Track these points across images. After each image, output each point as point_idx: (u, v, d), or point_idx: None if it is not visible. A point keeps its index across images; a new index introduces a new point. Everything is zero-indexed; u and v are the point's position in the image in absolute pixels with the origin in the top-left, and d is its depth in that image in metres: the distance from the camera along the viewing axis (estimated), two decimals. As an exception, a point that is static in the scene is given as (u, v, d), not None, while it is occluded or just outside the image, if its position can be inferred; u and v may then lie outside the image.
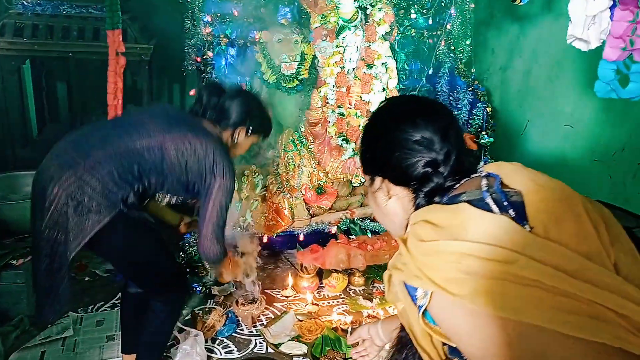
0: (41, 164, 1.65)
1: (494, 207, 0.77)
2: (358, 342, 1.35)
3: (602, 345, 0.64)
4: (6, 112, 3.13)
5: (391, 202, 0.98)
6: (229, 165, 1.75)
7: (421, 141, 0.92)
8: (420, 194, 0.92)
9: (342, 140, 3.00)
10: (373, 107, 3.01)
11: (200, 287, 2.54)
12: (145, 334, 1.84)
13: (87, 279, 2.60)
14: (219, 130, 1.85)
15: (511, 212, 0.76)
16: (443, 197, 0.90)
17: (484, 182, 0.85)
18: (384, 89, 3.03)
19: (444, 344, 0.82)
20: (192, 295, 2.51)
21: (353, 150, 3.02)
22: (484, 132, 3.03)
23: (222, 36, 3.08)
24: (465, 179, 0.91)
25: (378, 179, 0.99)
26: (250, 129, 1.90)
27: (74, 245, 1.59)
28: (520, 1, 2.66)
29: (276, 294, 2.58)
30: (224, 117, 1.85)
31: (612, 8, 1.45)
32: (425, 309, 0.80)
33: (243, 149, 1.99)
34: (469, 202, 0.80)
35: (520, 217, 0.75)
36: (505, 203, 0.78)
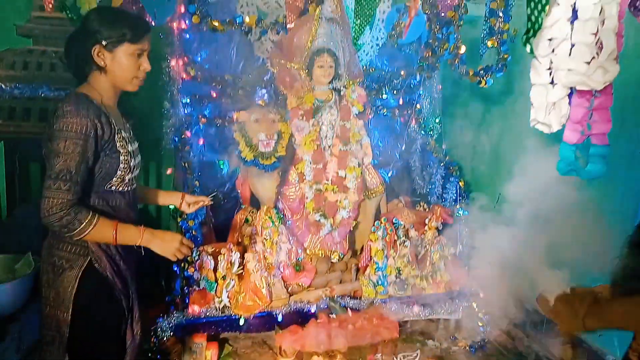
0: None
1: None
2: None
3: None
4: (-24, 193, 3.06)
5: None
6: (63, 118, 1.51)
7: None
8: None
9: (320, 216, 3.02)
10: (349, 183, 3.06)
11: (174, 376, 2.41)
12: None
13: None
14: (86, 83, 1.68)
15: None
16: None
17: None
18: (359, 165, 3.11)
19: None
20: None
21: (331, 226, 3.03)
22: (458, 206, 3.09)
23: (200, 116, 3.15)
24: None
25: None
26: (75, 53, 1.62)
27: None
28: (485, 83, 2.84)
29: (254, 380, 2.46)
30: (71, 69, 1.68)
31: (570, 95, 1.56)
32: None
33: (122, 69, 1.68)
34: None
35: None
36: None
